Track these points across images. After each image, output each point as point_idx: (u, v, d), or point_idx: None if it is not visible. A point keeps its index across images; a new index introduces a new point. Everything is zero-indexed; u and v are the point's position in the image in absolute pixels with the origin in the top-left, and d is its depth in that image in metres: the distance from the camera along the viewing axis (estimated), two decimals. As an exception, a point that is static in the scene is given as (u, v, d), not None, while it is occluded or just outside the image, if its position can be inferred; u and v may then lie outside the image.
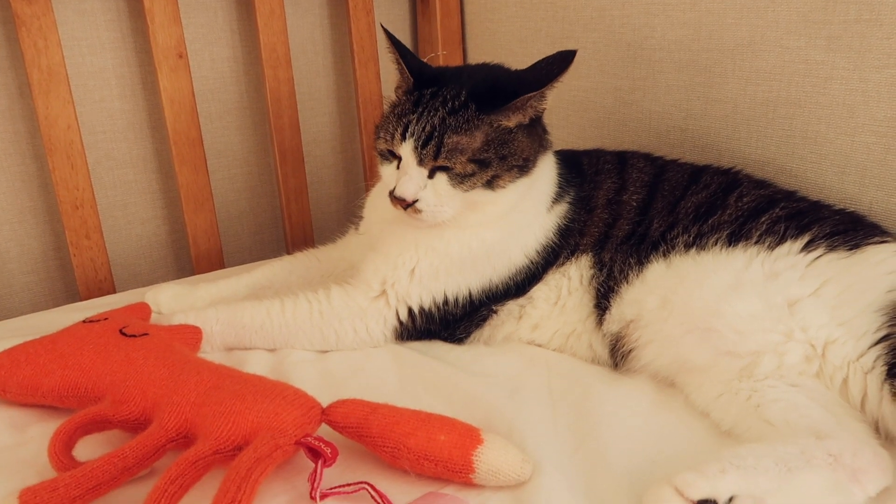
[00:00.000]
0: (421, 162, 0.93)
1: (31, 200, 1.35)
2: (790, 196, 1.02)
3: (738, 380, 0.83)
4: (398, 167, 0.96)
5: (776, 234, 0.92)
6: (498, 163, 0.93)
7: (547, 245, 1.03)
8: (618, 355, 0.95)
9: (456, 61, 1.66)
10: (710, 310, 0.85)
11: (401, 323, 1.02)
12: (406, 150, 0.94)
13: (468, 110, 0.92)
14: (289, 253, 1.57)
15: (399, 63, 0.98)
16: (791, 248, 0.90)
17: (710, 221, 0.97)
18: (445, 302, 1.02)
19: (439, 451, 0.73)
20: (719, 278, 0.87)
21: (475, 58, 1.66)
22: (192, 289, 1.16)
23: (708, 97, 1.21)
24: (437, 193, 0.94)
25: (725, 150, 1.20)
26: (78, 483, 0.68)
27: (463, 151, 0.92)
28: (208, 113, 1.48)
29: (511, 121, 0.94)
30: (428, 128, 0.92)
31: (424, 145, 0.92)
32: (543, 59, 0.96)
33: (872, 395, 0.78)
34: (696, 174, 1.07)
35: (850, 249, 0.89)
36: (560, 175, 1.06)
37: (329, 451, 0.72)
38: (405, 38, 1.69)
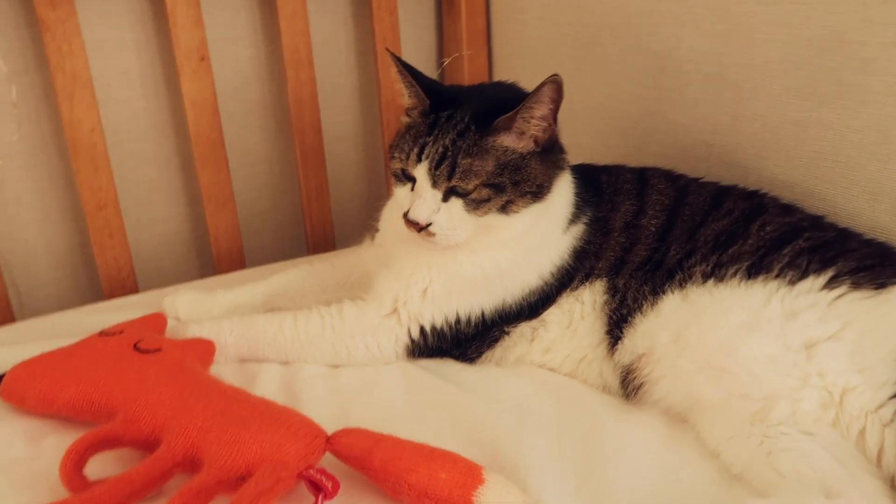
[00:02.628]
0: (435, 184, 0.93)
1: (57, 199, 1.37)
2: (816, 224, 0.99)
3: (751, 423, 0.81)
4: (412, 189, 0.95)
5: (798, 268, 0.90)
6: (511, 188, 0.92)
7: (562, 267, 1.01)
8: (629, 388, 0.93)
9: (480, 62, 1.63)
10: (725, 349, 0.84)
11: (412, 341, 1.02)
12: (421, 171, 0.93)
13: (471, 132, 0.92)
14: (309, 252, 1.59)
15: (413, 86, 0.97)
16: (813, 285, 0.88)
17: (729, 251, 0.94)
18: (458, 321, 1.01)
19: (440, 489, 0.73)
20: (736, 316, 0.85)
21: (500, 58, 1.63)
22: (209, 295, 1.17)
23: (736, 113, 1.17)
24: (450, 217, 0.93)
25: (752, 169, 1.17)
26: None
27: (477, 175, 0.91)
28: (230, 112, 1.48)
29: (512, 143, 0.93)
30: (441, 149, 0.92)
31: (438, 166, 0.92)
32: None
33: (889, 450, 0.75)
34: (719, 198, 1.04)
35: (876, 288, 0.86)
36: (577, 195, 1.04)
37: (330, 484, 0.73)
38: (430, 38, 1.67)
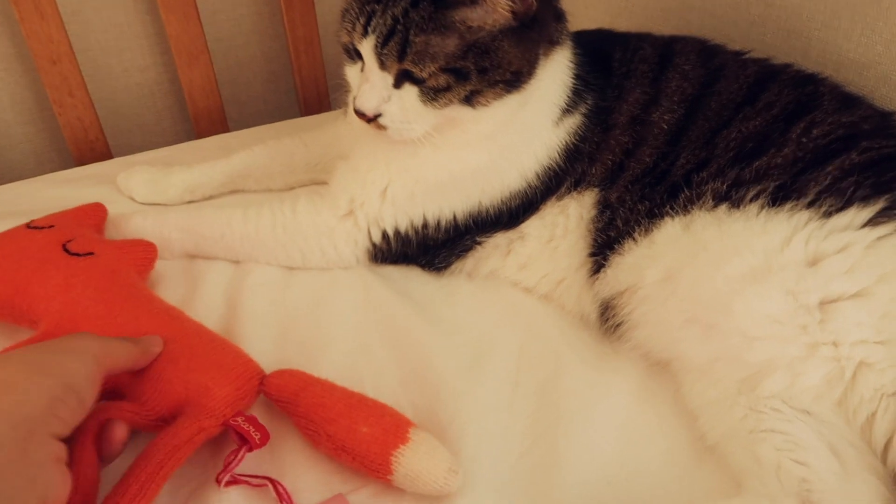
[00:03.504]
0: (384, 66, 0.75)
1: (14, 46, 1.23)
2: (882, 126, 0.77)
3: (738, 392, 0.67)
4: (363, 70, 0.78)
5: (840, 195, 0.70)
6: (478, 76, 0.74)
7: (549, 168, 0.84)
8: (607, 323, 0.80)
9: None
10: (720, 303, 0.68)
11: (373, 245, 0.90)
12: (367, 48, 0.75)
13: (426, 1, 0.71)
14: (302, 112, 1.43)
15: None
16: (854, 219, 0.69)
17: (755, 164, 0.75)
18: (425, 225, 0.87)
19: (357, 444, 0.64)
20: (742, 260, 0.68)
21: None
22: (165, 174, 1.05)
23: (806, -35, 0.90)
24: (403, 108, 0.76)
25: (817, 41, 0.91)
26: None
27: (434, 57, 0.72)
28: (202, -59, 1.27)
29: (478, 18, 0.72)
30: (389, 21, 0.72)
31: (385, 43, 0.73)
32: None
33: (898, 445, 0.62)
34: (761, 84, 0.82)
35: (936, 228, 0.67)
36: (578, 76, 0.84)
37: (258, 436, 0.65)
38: None
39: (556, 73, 0.81)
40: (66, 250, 0.80)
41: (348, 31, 0.77)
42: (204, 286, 0.89)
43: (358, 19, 0.75)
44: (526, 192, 0.85)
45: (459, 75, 0.73)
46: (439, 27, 0.72)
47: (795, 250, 0.68)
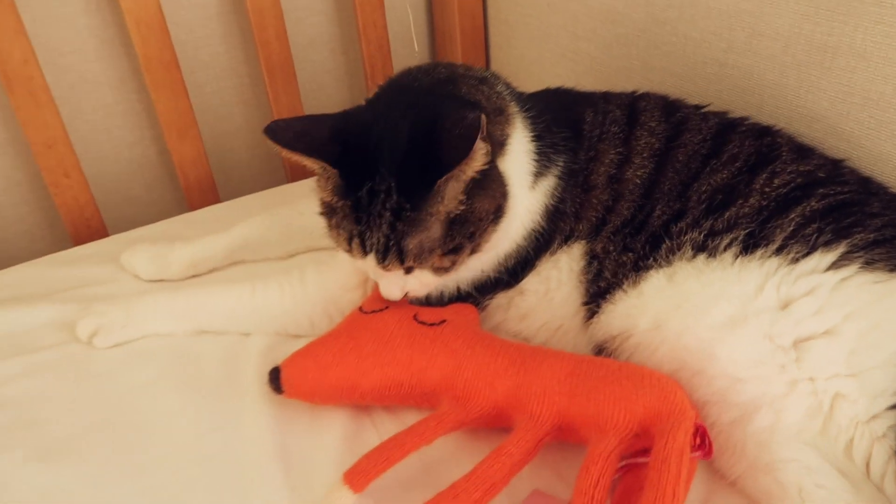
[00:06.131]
0: (390, 269, 0.81)
1: (6, 131, 1.27)
2: (835, 174, 0.85)
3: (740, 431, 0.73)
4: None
5: (805, 241, 0.78)
6: (469, 241, 0.80)
7: (534, 230, 0.90)
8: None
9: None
10: (704, 350, 0.74)
11: (380, 311, 0.95)
12: (370, 263, 0.81)
13: (406, 210, 0.76)
14: (289, 178, 1.48)
15: (313, 161, 0.79)
16: (818, 264, 0.76)
17: (726, 215, 0.82)
18: (427, 297, 0.92)
19: None
20: (720, 310, 0.75)
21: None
22: (168, 250, 1.10)
23: (754, 30, 0.99)
24: (422, 282, 0.83)
25: (769, 97, 1.00)
26: (475, 486, 0.68)
27: (430, 250, 0.79)
28: (186, 22, 1.33)
29: (453, 197, 0.77)
30: (382, 240, 0.78)
31: (384, 259, 0.79)
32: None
33: (876, 467, 0.68)
34: (722, 136, 0.89)
35: (892, 270, 0.75)
36: (542, 141, 0.89)
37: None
38: (419, 26, 1.49)
39: (515, 151, 0.86)
40: (421, 321, 0.85)
41: (342, 247, 0.82)
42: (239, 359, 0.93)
43: (350, 241, 0.79)
44: (518, 251, 0.91)
45: (456, 250, 0.80)
46: (423, 225, 0.77)
47: (768, 296, 0.75)
